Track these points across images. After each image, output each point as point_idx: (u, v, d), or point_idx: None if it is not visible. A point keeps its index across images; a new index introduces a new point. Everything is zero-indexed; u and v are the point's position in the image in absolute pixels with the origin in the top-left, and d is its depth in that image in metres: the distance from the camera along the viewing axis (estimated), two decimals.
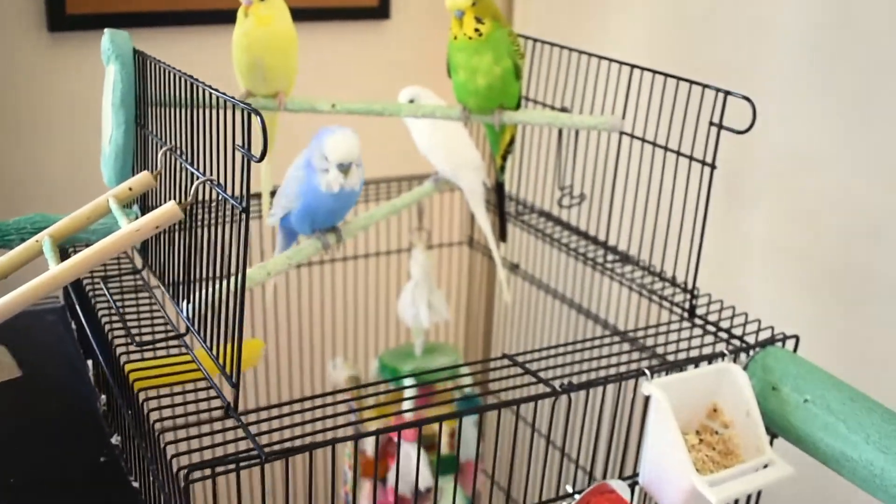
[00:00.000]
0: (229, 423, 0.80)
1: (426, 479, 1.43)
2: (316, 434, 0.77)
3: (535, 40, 1.27)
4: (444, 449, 1.47)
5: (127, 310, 1.02)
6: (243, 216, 0.74)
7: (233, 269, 0.79)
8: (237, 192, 0.76)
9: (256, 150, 0.72)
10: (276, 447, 0.75)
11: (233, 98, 0.75)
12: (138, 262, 1.10)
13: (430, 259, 1.43)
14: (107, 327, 0.98)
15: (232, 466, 0.72)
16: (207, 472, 0.71)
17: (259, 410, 0.81)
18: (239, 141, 0.74)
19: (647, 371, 0.90)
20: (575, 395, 0.93)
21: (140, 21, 1.51)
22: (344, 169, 1.02)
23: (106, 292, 1.04)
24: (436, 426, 1.46)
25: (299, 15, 1.64)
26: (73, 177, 1.46)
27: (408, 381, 1.41)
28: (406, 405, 1.41)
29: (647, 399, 0.91)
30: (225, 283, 0.82)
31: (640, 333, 1.07)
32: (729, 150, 1.18)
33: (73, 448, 0.95)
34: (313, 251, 1.09)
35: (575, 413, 0.95)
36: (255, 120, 0.71)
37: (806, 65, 1.27)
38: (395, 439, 1.45)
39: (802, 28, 1.27)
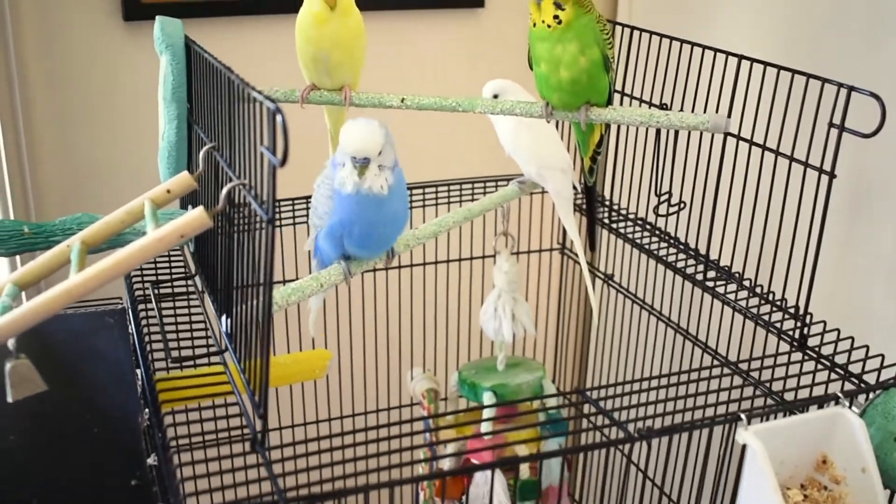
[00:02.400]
0: (258, 460, 0.71)
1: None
2: (347, 478, 0.67)
3: (632, 28, 1.14)
4: (526, 473, 1.36)
5: (175, 317, 0.95)
6: (268, 226, 0.65)
7: (260, 283, 0.69)
8: (264, 199, 0.67)
9: (281, 153, 0.63)
10: (302, 491, 0.66)
11: (259, 93, 0.66)
12: (193, 266, 1.04)
13: (515, 267, 1.32)
14: (147, 338, 0.91)
15: None
16: None
17: (289, 445, 0.72)
18: (266, 141, 0.65)
19: (742, 416, 0.77)
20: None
21: (219, 9, 1.44)
22: (360, 165, 0.88)
23: (153, 299, 0.97)
24: (517, 448, 1.36)
25: (391, 2, 1.57)
26: (143, 167, 1.41)
27: (487, 400, 1.31)
28: (484, 426, 1.30)
29: (743, 447, 0.78)
30: (260, 295, 0.74)
31: (743, 366, 0.93)
32: (853, 155, 1.03)
33: (105, 468, 0.89)
34: (338, 277, 0.95)
35: (670, 450, 0.84)
36: (278, 118, 0.61)
37: None
38: (475, 461, 1.35)
39: None
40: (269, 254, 0.67)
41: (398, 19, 1.59)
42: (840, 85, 0.86)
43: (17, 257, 1.38)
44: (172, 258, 1.11)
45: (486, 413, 1.29)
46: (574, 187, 1.22)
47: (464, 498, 1.38)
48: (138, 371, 1.04)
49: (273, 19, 1.49)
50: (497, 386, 1.33)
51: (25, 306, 0.71)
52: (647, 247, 1.19)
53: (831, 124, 0.87)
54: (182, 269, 1.08)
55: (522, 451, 1.35)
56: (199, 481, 0.68)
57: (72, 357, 1.05)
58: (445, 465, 1.38)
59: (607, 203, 1.31)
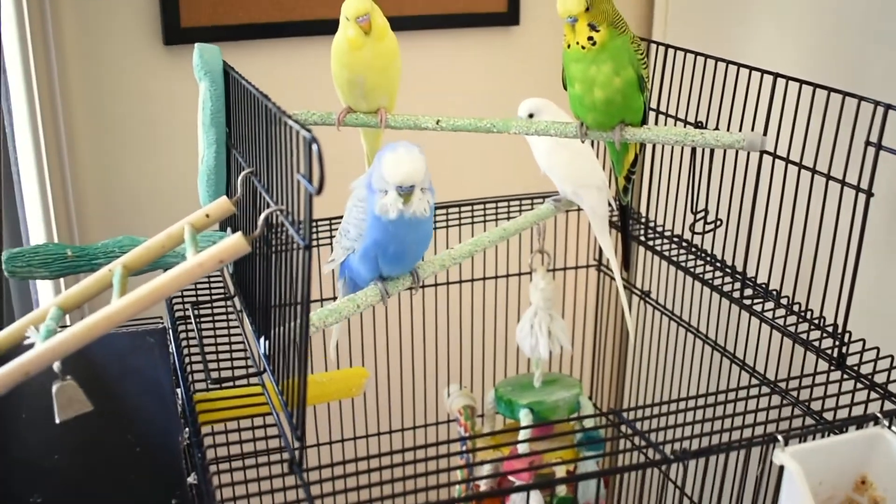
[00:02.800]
0: (296, 481, 0.72)
1: None
2: (385, 499, 0.68)
3: (667, 46, 1.14)
4: (563, 490, 1.36)
5: (215, 338, 0.97)
6: (305, 252, 0.66)
7: (296, 302, 0.71)
8: (300, 225, 0.68)
9: (317, 181, 0.64)
10: None
11: (296, 122, 0.67)
12: (232, 287, 1.05)
13: (551, 284, 1.33)
14: (186, 358, 0.93)
15: None
16: None
17: (328, 467, 0.73)
18: (303, 169, 0.66)
19: (780, 437, 0.77)
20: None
21: (255, 32, 1.47)
22: (404, 193, 0.89)
23: (193, 320, 0.99)
24: (553, 466, 1.36)
25: (426, 22, 1.59)
26: (183, 190, 1.44)
27: (524, 417, 1.31)
28: (521, 446, 1.31)
29: (781, 468, 0.78)
30: (298, 317, 0.75)
31: (780, 385, 0.93)
32: (892, 172, 1.03)
33: (145, 487, 0.90)
34: (375, 298, 0.96)
35: (707, 469, 0.83)
36: (314, 148, 0.62)
37: None
38: (512, 479, 1.36)
39: None
40: (306, 278, 0.68)
41: (433, 39, 1.61)
42: (877, 103, 0.86)
43: (62, 280, 1.41)
44: (212, 279, 1.12)
45: (523, 431, 1.29)
46: (609, 205, 1.22)
47: None
48: (178, 391, 1.06)
49: (309, 41, 1.51)
50: (534, 403, 1.33)
51: (68, 331, 0.72)
52: (683, 264, 1.19)
53: (868, 142, 0.87)
54: (221, 290, 1.09)
55: (559, 469, 1.35)
56: (238, 502, 0.69)
57: (113, 377, 1.07)
58: (482, 484, 1.39)
59: (643, 220, 1.31)
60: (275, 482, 0.71)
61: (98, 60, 1.41)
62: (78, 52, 1.39)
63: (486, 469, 1.38)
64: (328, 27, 1.45)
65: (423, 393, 1.49)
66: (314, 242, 1.19)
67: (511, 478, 1.36)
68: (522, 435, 1.29)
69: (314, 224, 1.22)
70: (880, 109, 0.85)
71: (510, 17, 1.67)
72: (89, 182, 1.45)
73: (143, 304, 0.72)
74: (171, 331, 1.10)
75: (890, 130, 0.86)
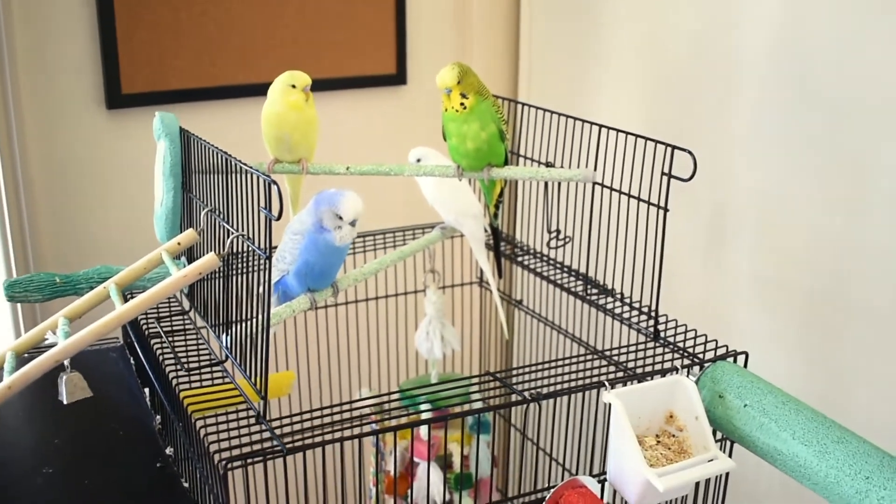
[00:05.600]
0: (262, 428, 0.99)
1: (442, 494, 1.60)
2: (334, 433, 0.96)
3: (525, 104, 1.46)
4: (459, 468, 1.64)
5: (177, 344, 1.22)
6: (266, 264, 0.94)
7: (260, 307, 0.98)
8: (261, 245, 0.96)
9: (276, 211, 0.92)
10: (297, 444, 0.94)
11: (257, 171, 0.95)
12: (186, 304, 1.31)
13: (441, 298, 1.62)
14: (161, 358, 1.18)
15: (259, 458, 0.91)
16: (240, 463, 0.90)
17: (283, 418, 1.00)
18: (263, 204, 0.94)
19: (605, 383, 1.08)
20: (557, 404, 1.12)
21: (185, 97, 1.74)
22: (353, 224, 1.19)
23: (160, 330, 1.25)
24: (453, 448, 1.65)
25: (330, 84, 1.88)
26: (129, 233, 1.69)
27: (423, 406, 1.59)
28: (422, 430, 1.58)
29: (608, 406, 1.09)
30: (255, 318, 1.02)
31: (615, 352, 1.24)
32: (709, 194, 1.36)
33: (135, 457, 1.15)
34: (307, 305, 1.23)
35: (556, 420, 1.13)
36: (274, 188, 0.91)
37: (771, 116, 1.46)
38: (413, 458, 1.63)
39: (768, 81, 1.47)
40: (267, 283, 0.96)
41: (336, 98, 1.90)
42: (666, 145, 1.19)
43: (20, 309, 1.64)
44: (167, 301, 1.38)
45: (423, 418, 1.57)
46: (485, 230, 1.52)
47: (409, 492, 1.66)
48: (145, 389, 1.31)
49: (232, 102, 1.78)
50: (431, 397, 1.61)
51: (87, 329, 0.98)
52: (543, 274, 1.51)
53: (663, 173, 1.19)
54: (167, 309, 1.35)
55: (455, 448, 1.64)
56: (221, 447, 0.95)
57: (91, 382, 1.31)
58: (391, 467, 1.66)
59: (515, 242, 1.62)
60: (244, 430, 0.98)
61: (51, 121, 1.65)
62: (33, 114, 1.63)
63: (393, 455, 1.65)
64: (246, 91, 1.74)
65: (339, 393, 1.75)
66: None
67: (416, 459, 1.64)
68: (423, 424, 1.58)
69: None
70: (669, 150, 1.18)
71: (399, 77, 1.97)
72: (43, 226, 1.68)
73: (144, 305, 0.98)
74: (135, 342, 1.35)
75: (678, 164, 1.19)
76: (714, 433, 1.12)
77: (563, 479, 1.40)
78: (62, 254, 1.70)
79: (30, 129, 1.64)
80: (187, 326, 1.28)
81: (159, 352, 1.20)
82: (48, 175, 1.67)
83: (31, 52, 1.62)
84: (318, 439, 0.94)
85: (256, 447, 0.95)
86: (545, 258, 1.54)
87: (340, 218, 1.18)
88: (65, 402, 1.00)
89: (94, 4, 1.64)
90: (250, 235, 1.00)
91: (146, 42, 1.69)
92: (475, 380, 1.11)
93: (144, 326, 1.30)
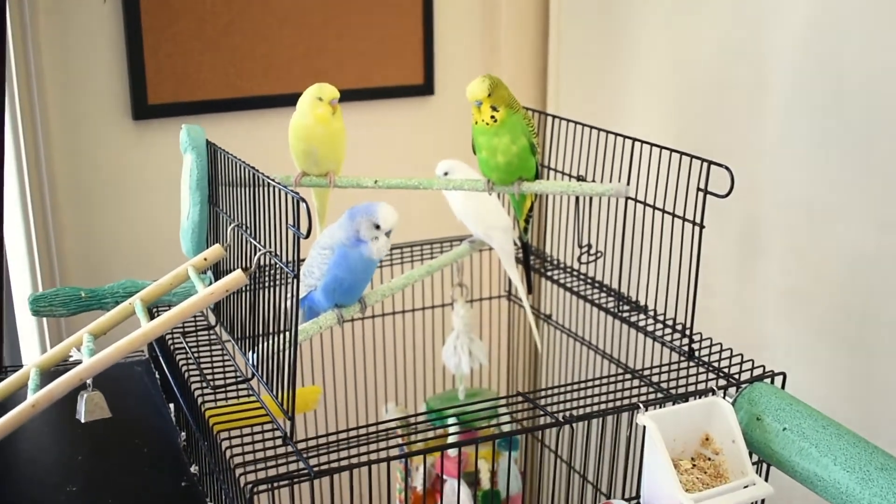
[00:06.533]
0: (288, 449, 0.97)
1: None
2: (360, 456, 0.94)
3: (556, 117, 1.44)
4: (487, 485, 1.62)
5: (203, 360, 1.21)
6: (294, 281, 0.92)
7: (287, 324, 0.96)
8: (289, 261, 0.94)
9: (304, 228, 0.90)
10: (324, 467, 0.92)
11: (285, 186, 0.94)
12: (212, 319, 1.29)
13: (469, 312, 1.59)
14: (186, 375, 1.17)
15: (286, 482, 0.89)
16: (266, 486, 0.88)
17: (310, 439, 0.98)
18: (291, 220, 0.92)
19: (640, 405, 1.05)
20: (590, 425, 1.09)
21: (211, 108, 1.73)
22: (388, 235, 1.17)
23: (185, 346, 1.23)
24: (480, 464, 1.62)
25: (358, 94, 1.87)
26: (156, 247, 1.68)
27: (451, 422, 1.57)
28: (449, 441, 1.56)
29: (643, 429, 1.06)
30: (282, 335, 1.00)
31: (647, 372, 1.21)
32: (742, 207, 1.34)
33: (159, 475, 1.13)
34: (333, 321, 1.22)
35: (589, 440, 1.11)
36: (302, 205, 0.89)
37: (804, 127, 1.43)
38: (441, 475, 1.61)
39: (801, 91, 1.44)
40: (295, 301, 0.94)
41: (363, 108, 1.88)
42: (702, 160, 1.16)
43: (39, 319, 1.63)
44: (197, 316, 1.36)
45: (451, 437, 1.55)
46: (514, 243, 1.50)
47: None
48: (171, 405, 1.29)
49: (259, 113, 1.77)
50: (459, 413, 1.59)
51: (112, 347, 0.96)
52: (575, 289, 1.48)
53: (699, 188, 1.17)
54: (195, 323, 1.33)
55: (483, 465, 1.61)
56: (247, 469, 0.93)
57: (113, 397, 1.30)
58: (418, 483, 1.64)
59: (545, 256, 1.60)
60: (270, 452, 0.96)
61: (77, 133, 1.65)
62: (59, 125, 1.63)
63: (420, 471, 1.63)
64: (273, 102, 1.73)
65: (365, 408, 1.73)
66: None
67: (444, 476, 1.61)
68: (451, 439, 1.55)
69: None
70: (705, 165, 1.16)
71: (426, 88, 1.95)
72: (69, 237, 1.67)
73: (170, 323, 0.97)
74: (160, 357, 1.33)
75: (714, 179, 1.16)
76: (750, 455, 1.09)
77: (594, 501, 1.38)
78: (88, 267, 1.70)
79: (56, 141, 1.63)
80: (213, 341, 1.27)
81: (184, 368, 1.19)
82: (74, 187, 1.67)
83: (57, 63, 1.62)
84: (344, 462, 0.92)
85: (283, 469, 0.93)
86: (576, 273, 1.51)
87: (377, 227, 1.17)
88: (82, 421, 0.99)
89: (121, 15, 1.63)
90: (277, 252, 0.98)
91: (173, 53, 1.68)
92: (504, 400, 1.08)
93: (170, 341, 1.29)
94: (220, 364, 1.18)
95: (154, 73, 1.67)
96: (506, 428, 1.57)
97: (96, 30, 1.63)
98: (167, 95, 1.69)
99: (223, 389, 1.11)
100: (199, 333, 1.29)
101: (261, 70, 1.76)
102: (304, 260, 1.26)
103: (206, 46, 1.71)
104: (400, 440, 1.27)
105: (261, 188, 1.02)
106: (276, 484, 0.89)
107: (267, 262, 1.02)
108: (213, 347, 1.26)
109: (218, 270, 1.24)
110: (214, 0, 1.70)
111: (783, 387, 1.16)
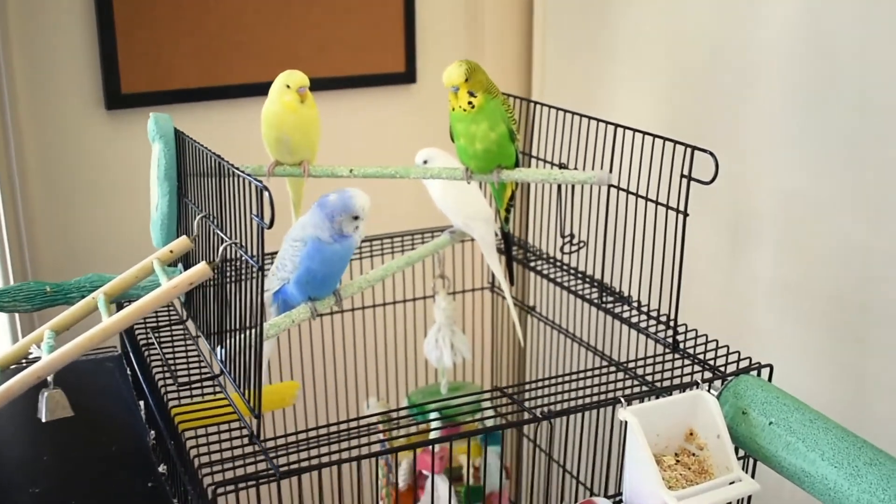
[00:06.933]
0: (255, 448, 0.93)
1: None
2: (332, 455, 0.90)
3: (537, 103, 1.40)
4: (471, 480, 1.59)
5: (174, 355, 1.17)
6: (259, 273, 0.89)
7: (252, 319, 0.92)
8: (254, 253, 0.90)
9: (268, 218, 0.86)
10: (293, 466, 0.88)
11: (250, 175, 0.90)
12: (184, 313, 1.25)
13: (451, 304, 1.56)
14: (154, 371, 1.13)
15: (252, 483, 0.85)
16: (231, 487, 0.84)
17: (279, 438, 0.94)
18: (255, 211, 0.88)
19: (622, 399, 1.02)
20: (572, 419, 1.06)
21: (187, 97, 1.68)
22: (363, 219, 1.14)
23: (154, 341, 1.19)
24: (462, 459, 1.59)
25: (337, 83, 1.82)
26: (131, 238, 1.63)
27: (433, 416, 1.53)
28: (431, 436, 1.53)
29: (624, 423, 1.02)
30: (250, 330, 0.97)
31: (631, 364, 1.18)
32: (730, 196, 1.30)
33: (126, 475, 1.10)
34: (307, 315, 1.18)
35: (573, 435, 1.07)
36: (266, 194, 0.85)
37: (794, 115, 1.39)
38: (425, 472, 1.57)
39: (790, 81, 1.40)
40: (260, 294, 0.90)
41: (343, 97, 1.84)
42: (686, 145, 1.12)
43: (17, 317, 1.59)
44: (165, 308, 1.32)
45: (434, 432, 1.52)
46: (496, 234, 1.46)
47: None
48: (141, 402, 1.25)
49: (235, 102, 1.73)
50: (441, 407, 1.56)
51: (72, 343, 0.93)
52: (557, 280, 1.44)
53: (682, 175, 1.13)
54: (168, 317, 1.30)
55: (464, 460, 1.58)
56: (213, 469, 0.89)
57: (83, 394, 1.26)
58: (401, 479, 1.60)
59: (527, 246, 1.56)
60: (237, 451, 0.92)
61: (48, 123, 1.60)
62: (30, 115, 1.58)
63: (403, 466, 1.60)
64: (251, 90, 1.69)
65: (346, 405, 1.70)
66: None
67: (424, 471, 1.58)
68: (433, 433, 1.52)
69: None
70: (689, 151, 1.12)
71: (408, 76, 1.91)
72: (41, 230, 1.63)
73: (132, 318, 0.93)
74: (131, 353, 1.29)
75: (700, 166, 1.12)
76: (736, 450, 1.06)
77: (577, 495, 1.34)
78: (61, 259, 1.65)
79: (26, 132, 1.59)
80: (185, 336, 1.23)
81: (152, 364, 1.15)
82: (46, 180, 1.62)
83: (26, 51, 1.57)
84: (314, 462, 0.88)
85: (250, 469, 0.89)
86: (559, 263, 1.48)
87: (356, 218, 1.13)
88: (43, 420, 0.95)
89: (93, 0, 1.59)
90: (243, 243, 0.94)
91: (146, 40, 1.63)
92: (485, 395, 1.05)
93: (141, 337, 1.25)
94: (191, 359, 1.15)
95: (127, 61, 1.63)
96: (489, 423, 1.54)
97: (67, 15, 1.59)
98: (141, 84, 1.65)
99: (189, 387, 1.08)
100: (173, 327, 1.25)
101: (239, 57, 1.72)
102: (276, 253, 1.23)
103: (182, 33, 1.66)
104: (373, 437, 1.23)
105: (227, 178, 0.99)
106: (240, 485, 0.85)
107: (233, 255, 0.98)
108: (186, 342, 1.22)
109: (188, 263, 1.20)
110: None
111: (770, 379, 1.12)
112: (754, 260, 1.51)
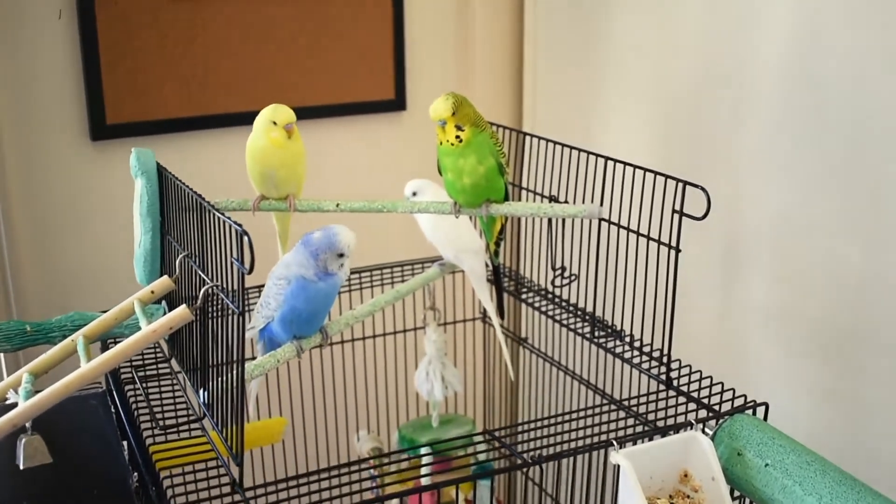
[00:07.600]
0: (237, 498, 0.91)
1: None
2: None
3: (529, 135, 1.38)
4: None
5: (156, 394, 1.14)
6: (239, 319, 0.86)
7: (234, 365, 0.90)
8: (235, 298, 0.88)
9: (248, 263, 0.84)
10: None
11: (229, 218, 0.87)
12: (168, 351, 1.23)
13: (442, 336, 1.53)
14: (136, 412, 1.10)
15: None
16: None
17: (264, 486, 0.92)
18: (235, 254, 0.86)
19: (615, 442, 0.99)
20: (567, 460, 1.03)
21: (174, 127, 1.66)
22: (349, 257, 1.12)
23: (136, 380, 1.17)
24: (453, 494, 1.56)
25: (325, 111, 1.80)
26: (116, 273, 1.61)
27: (424, 451, 1.51)
28: (422, 473, 1.50)
29: (617, 467, 1.00)
30: (232, 372, 0.94)
31: (624, 402, 1.15)
32: (721, 227, 1.28)
33: None
34: (292, 354, 1.16)
35: (560, 472, 1.05)
36: (245, 239, 0.83)
37: (785, 144, 1.38)
38: None
39: (781, 109, 1.38)
40: (241, 338, 0.88)
41: (331, 125, 1.82)
42: (677, 180, 1.10)
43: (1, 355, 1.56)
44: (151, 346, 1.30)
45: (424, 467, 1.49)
46: (486, 265, 1.44)
47: None
48: (124, 442, 1.22)
49: (221, 132, 1.71)
50: (433, 441, 1.53)
51: (49, 390, 0.90)
52: (549, 313, 1.42)
53: (674, 210, 1.11)
54: (154, 357, 1.27)
55: (459, 496, 1.55)
56: None
57: (65, 434, 1.23)
58: None
59: (519, 278, 1.54)
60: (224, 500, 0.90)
61: (32, 154, 1.58)
62: (14, 146, 1.56)
63: (394, 500, 1.57)
64: (239, 119, 1.67)
65: (336, 438, 1.67)
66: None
67: None
68: (424, 468, 1.49)
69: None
70: (680, 185, 1.10)
71: (398, 103, 1.89)
72: (26, 264, 1.61)
73: (109, 364, 0.91)
74: (115, 392, 1.27)
75: (692, 199, 1.10)
76: (731, 492, 1.04)
77: None
78: (45, 291, 1.63)
79: (10, 164, 1.56)
80: (168, 374, 1.20)
81: (135, 404, 1.12)
82: (30, 213, 1.60)
83: (10, 81, 1.55)
84: None
85: None
86: (550, 296, 1.46)
87: (341, 255, 1.11)
88: (21, 468, 0.93)
89: (77, 30, 1.57)
90: (225, 284, 0.92)
91: (132, 70, 1.61)
92: (476, 438, 1.02)
93: (125, 375, 1.22)
94: (172, 400, 1.12)
95: (112, 92, 1.60)
96: (481, 457, 1.51)
97: (51, 46, 1.57)
98: (127, 115, 1.62)
99: (177, 429, 1.05)
100: (159, 365, 1.23)
101: (225, 87, 1.70)
102: (263, 286, 1.20)
103: (168, 62, 1.65)
104: (364, 474, 1.20)
105: (208, 216, 0.96)
106: None
107: (214, 296, 0.96)
108: (170, 381, 1.19)
109: (172, 300, 1.18)
110: (176, 13, 1.64)
111: (766, 418, 1.10)
112: (746, 291, 1.49)
